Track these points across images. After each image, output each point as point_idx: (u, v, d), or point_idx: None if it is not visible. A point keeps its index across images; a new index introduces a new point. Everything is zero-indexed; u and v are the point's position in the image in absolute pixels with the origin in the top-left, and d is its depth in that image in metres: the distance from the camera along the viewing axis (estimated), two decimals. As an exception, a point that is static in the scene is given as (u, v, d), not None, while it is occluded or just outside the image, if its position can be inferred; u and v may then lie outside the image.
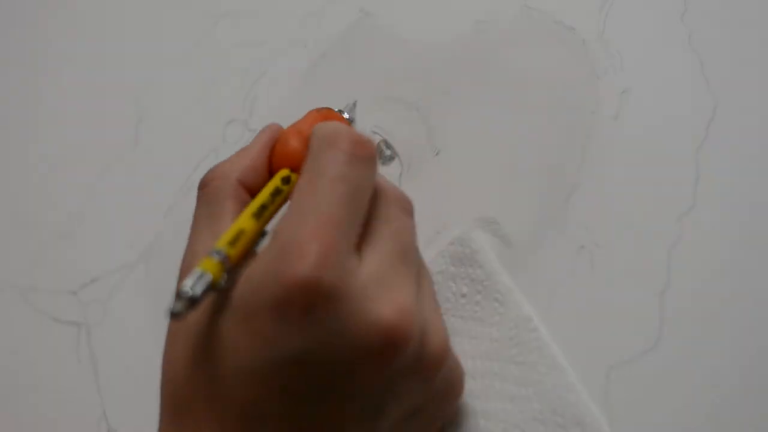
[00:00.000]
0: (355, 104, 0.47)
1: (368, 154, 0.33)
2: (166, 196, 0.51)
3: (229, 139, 0.51)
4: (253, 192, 0.37)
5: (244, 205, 0.36)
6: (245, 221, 0.33)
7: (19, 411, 0.49)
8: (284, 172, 0.36)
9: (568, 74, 0.48)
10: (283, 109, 0.51)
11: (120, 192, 0.52)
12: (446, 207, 0.47)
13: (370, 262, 0.32)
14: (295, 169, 0.36)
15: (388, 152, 0.48)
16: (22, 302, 0.51)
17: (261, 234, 0.34)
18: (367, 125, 0.49)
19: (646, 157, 0.46)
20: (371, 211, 0.34)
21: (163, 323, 0.49)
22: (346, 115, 0.45)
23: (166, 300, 0.49)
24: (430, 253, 0.45)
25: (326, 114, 0.40)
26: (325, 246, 0.30)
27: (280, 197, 0.35)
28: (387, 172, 0.48)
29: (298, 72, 0.52)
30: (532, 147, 0.47)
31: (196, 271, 0.31)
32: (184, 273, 0.35)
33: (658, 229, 0.44)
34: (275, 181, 0.36)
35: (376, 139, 0.48)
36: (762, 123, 0.45)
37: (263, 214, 0.34)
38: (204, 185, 0.37)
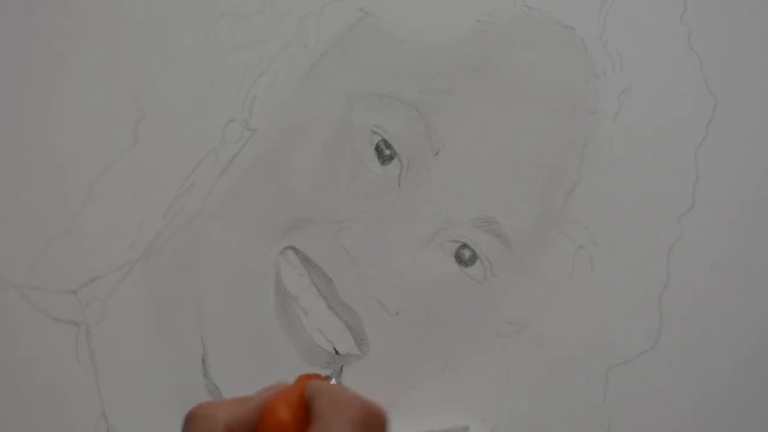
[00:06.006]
0: (341, 369, 0.45)
1: (379, 425, 0.32)
2: (166, 196, 0.51)
3: (228, 138, 0.51)
4: None
5: None
6: None
7: (18, 410, 0.49)
8: None
9: (567, 74, 0.48)
10: (283, 109, 0.51)
11: (120, 192, 0.52)
12: (446, 207, 0.47)
13: None
14: None
15: (387, 152, 0.48)
16: (22, 302, 0.51)
17: None
18: (367, 125, 0.49)
19: (645, 157, 0.46)
20: None
21: (162, 322, 0.49)
22: (333, 381, 0.43)
23: (165, 299, 0.49)
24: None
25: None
26: None
27: None
28: (386, 172, 0.48)
29: (298, 72, 0.52)
30: (532, 147, 0.47)
31: None
32: None
33: (658, 229, 0.44)
34: None
35: (376, 139, 0.48)
36: (761, 123, 0.45)
37: None
38: (192, 420, 0.35)
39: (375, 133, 0.48)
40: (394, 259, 0.46)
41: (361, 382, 0.45)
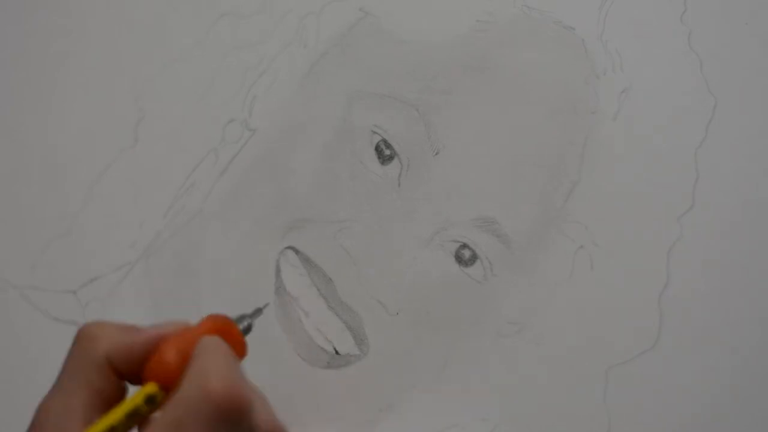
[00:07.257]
0: (263, 309, 0.41)
1: (237, 411, 0.31)
2: (166, 196, 0.51)
3: (228, 138, 0.51)
4: (119, 372, 0.34)
5: (106, 381, 0.33)
6: None
7: (18, 410, 0.49)
8: (151, 388, 0.33)
9: (567, 74, 0.48)
10: (283, 109, 0.51)
11: (120, 192, 0.52)
12: (446, 207, 0.47)
13: None
14: (166, 384, 0.33)
15: (387, 152, 0.48)
16: (22, 302, 0.51)
17: None
18: (367, 125, 0.49)
19: (645, 157, 0.46)
20: None
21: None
22: (243, 324, 0.40)
23: (165, 299, 0.49)
24: None
25: (221, 326, 0.37)
26: None
27: (136, 419, 0.33)
28: (386, 172, 0.48)
29: (298, 72, 0.52)
30: (532, 147, 0.47)
31: None
32: (33, 426, 0.34)
33: (658, 229, 0.44)
34: (137, 399, 0.33)
35: (376, 139, 0.48)
36: (761, 123, 0.45)
37: None
38: (77, 339, 0.34)
39: (375, 133, 0.48)
40: (394, 259, 0.46)
41: (361, 382, 0.45)
